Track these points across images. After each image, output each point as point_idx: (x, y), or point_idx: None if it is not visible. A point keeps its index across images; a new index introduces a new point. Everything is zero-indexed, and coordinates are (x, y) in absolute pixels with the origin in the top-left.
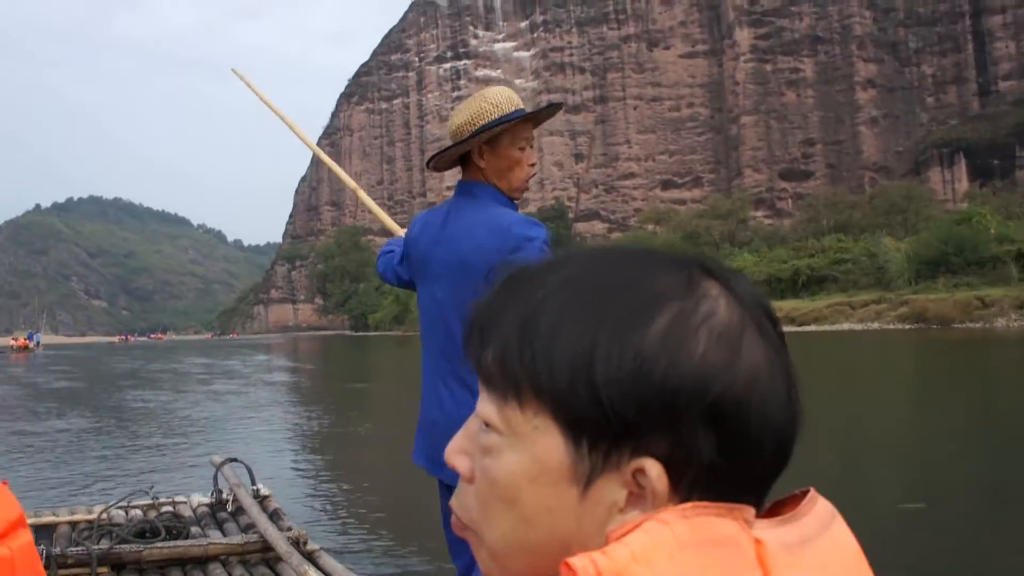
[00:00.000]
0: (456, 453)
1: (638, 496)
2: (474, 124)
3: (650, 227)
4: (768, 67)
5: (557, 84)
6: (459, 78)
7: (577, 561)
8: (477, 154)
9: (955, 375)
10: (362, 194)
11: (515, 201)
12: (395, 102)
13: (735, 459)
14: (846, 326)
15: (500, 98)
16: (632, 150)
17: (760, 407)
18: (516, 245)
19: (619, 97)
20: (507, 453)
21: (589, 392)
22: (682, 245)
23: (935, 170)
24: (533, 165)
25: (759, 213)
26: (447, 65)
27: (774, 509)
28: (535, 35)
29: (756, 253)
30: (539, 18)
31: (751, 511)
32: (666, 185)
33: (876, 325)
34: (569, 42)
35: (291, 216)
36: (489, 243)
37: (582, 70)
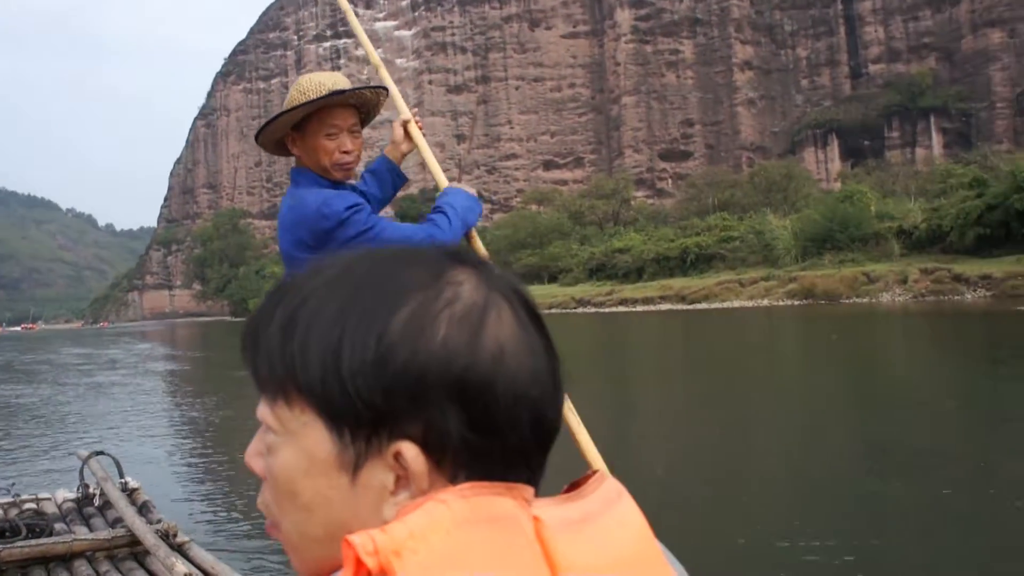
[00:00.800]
0: (253, 456)
1: (405, 479)
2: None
3: (533, 207)
4: (648, 48)
5: (439, 64)
6: (339, 57)
7: (356, 538)
8: (290, 141)
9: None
10: (414, 128)
11: (344, 180)
12: (273, 81)
13: (490, 435)
14: (737, 303)
15: (309, 85)
16: (514, 131)
17: (508, 383)
18: (315, 224)
19: (501, 77)
20: (283, 450)
21: (339, 384)
22: (567, 225)
23: (809, 150)
24: (348, 152)
25: (640, 193)
26: (327, 44)
27: (569, 491)
28: (416, 14)
29: (642, 232)
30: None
31: (530, 490)
32: (548, 166)
33: (766, 302)
34: (451, 21)
35: (166, 199)
36: (294, 228)
37: (464, 50)
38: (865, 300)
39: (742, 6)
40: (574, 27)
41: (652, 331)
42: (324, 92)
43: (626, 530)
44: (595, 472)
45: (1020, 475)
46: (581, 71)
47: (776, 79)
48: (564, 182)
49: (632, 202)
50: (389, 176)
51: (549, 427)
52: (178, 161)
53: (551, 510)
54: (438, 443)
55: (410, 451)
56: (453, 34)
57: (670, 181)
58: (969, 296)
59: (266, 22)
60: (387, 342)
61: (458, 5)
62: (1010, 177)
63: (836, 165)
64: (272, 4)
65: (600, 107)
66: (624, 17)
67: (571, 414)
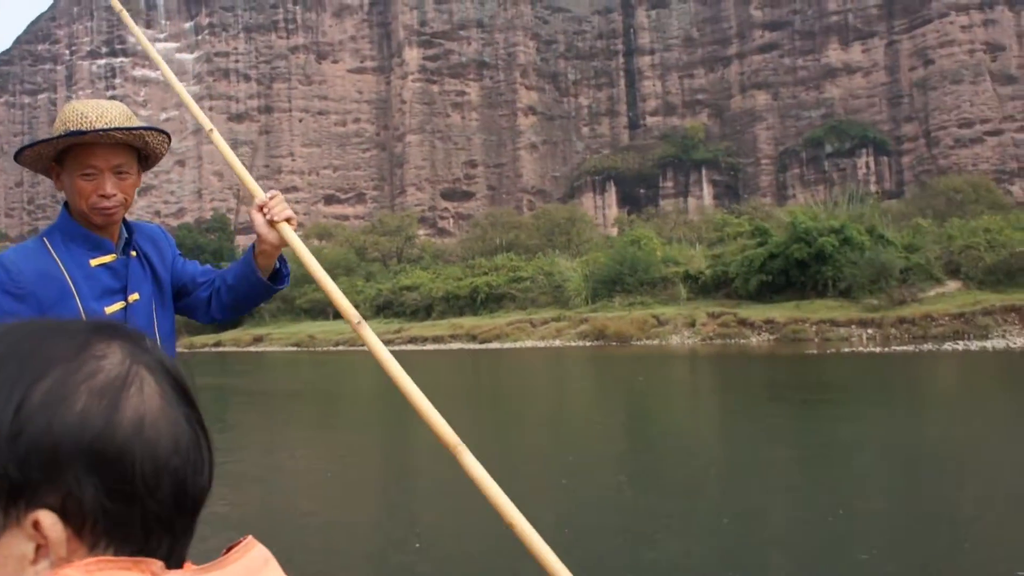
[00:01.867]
0: None
1: (46, 547)
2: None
3: (316, 242)
4: (435, 88)
5: (221, 91)
6: (114, 76)
7: None
8: (54, 174)
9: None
10: (218, 138)
11: (104, 226)
12: (40, 97)
13: (129, 503)
14: (529, 343)
15: (71, 114)
16: (296, 163)
17: (147, 453)
18: None
19: (285, 108)
20: None
21: None
22: (353, 260)
23: (588, 196)
24: (107, 196)
25: (421, 232)
26: (101, 61)
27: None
28: (200, 37)
29: (429, 270)
30: (205, 20)
31: (158, 564)
32: (329, 200)
33: (558, 342)
34: (235, 48)
35: None
36: None
37: (248, 78)
38: (655, 342)
39: (528, 52)
40: (361, 62)
41: (441, 369)
42: (85, 126)
43: None
44: (245, 539)
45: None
46: (367, 107)
47: (558, 125)
48: (345, 217)
49: (416, 240)
50: (246, 286)
51: (193, 495)
52: None
53: None
54: (77, 512)
55: (47, 519)
56: (237, 60)
57: (452, 220)
58: (754, 339)
59: (35, 33)
60: (24, 414)
61: (243, 32)
62: (790, 228)
63: (613, 211)
64: (43, 14)
65: (384, 144)
66: (412, 56)
67: None
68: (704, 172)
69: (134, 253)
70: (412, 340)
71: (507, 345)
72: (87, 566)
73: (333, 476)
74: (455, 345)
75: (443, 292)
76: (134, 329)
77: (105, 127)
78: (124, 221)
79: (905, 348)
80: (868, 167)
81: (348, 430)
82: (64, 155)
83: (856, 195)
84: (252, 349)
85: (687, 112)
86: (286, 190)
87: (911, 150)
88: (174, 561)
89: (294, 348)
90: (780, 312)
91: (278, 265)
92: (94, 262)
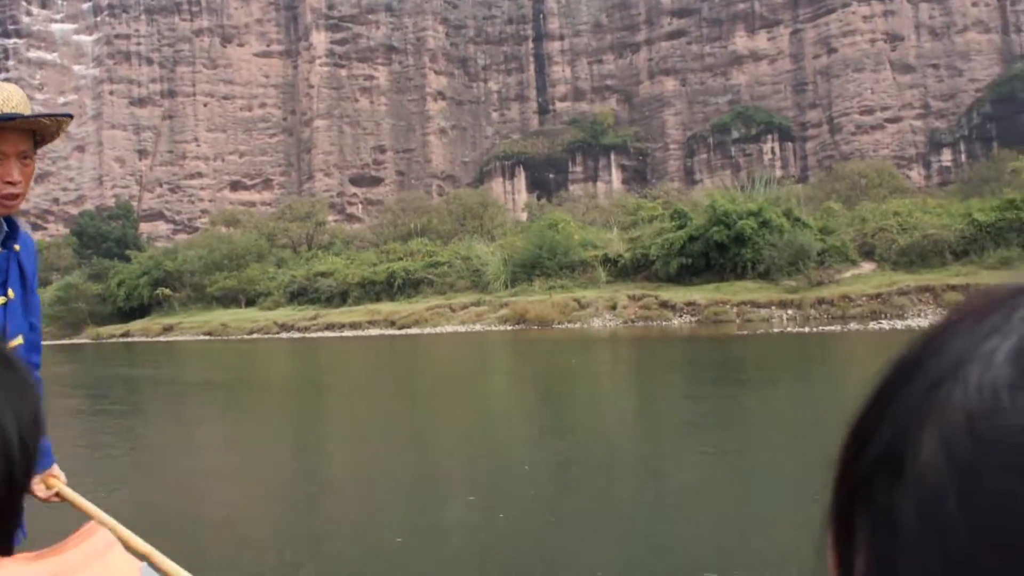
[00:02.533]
0: None
1: None
2: None
3: (223, 229)
4: (343, 72)
5: (122, 74)
6: (7, 58)
7: None
8: None
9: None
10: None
11: (5, 215)
12: None
13: None
14: (449, 328)
15: None
16: (201, 148)
17: None
18: None
19: (189, 92)
20: None
21: None
22: (264, 247)
23: (498, 180)
24: (14, 183)
25: (330, 218)
26: None
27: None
28: (99, 19)
29: (342, 256)
30: (104, 1)
31: None
32: (235, 186)
33: (479, 327)
34: (137, 30)
35: None
36: None
37: (150, 61)
38: (577, 325)
39: (438, 37)
40: (268, 46)
41: (363, 355)
42: None
43: None
44: (87, 524)
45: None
46: (273, 91)
47: (468, 110)
48: (252, 203)
49: (326, 226)
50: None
51: (20, 483)
52: None
53: (18, 568)
54: None
55: None
56: (139, 43)
57: (360, 206)
58: (676, 321)
59: None
60: None
61: (145, 13)
62: (709, 211)
63: (523, 196)
64: None
65: (291, 129)
66: (320, 39)
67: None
68: (613, 157)
69: (17, 248)
70: (329, 327)
71: (427, 331)
72: None
73: (235, 469)
74: (373, 331)
75: (358, 278)
76: None
77: (13, 112)
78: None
79: (829, 328)
80: (774, 152)
81: (256, 420)
82: None
83: (771, 179)
84: (162, 339)
85: (596, 98)
86: (191, 176)
87: (815, 136)
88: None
89: (206, 337)
90: (701, 294)
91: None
92: None
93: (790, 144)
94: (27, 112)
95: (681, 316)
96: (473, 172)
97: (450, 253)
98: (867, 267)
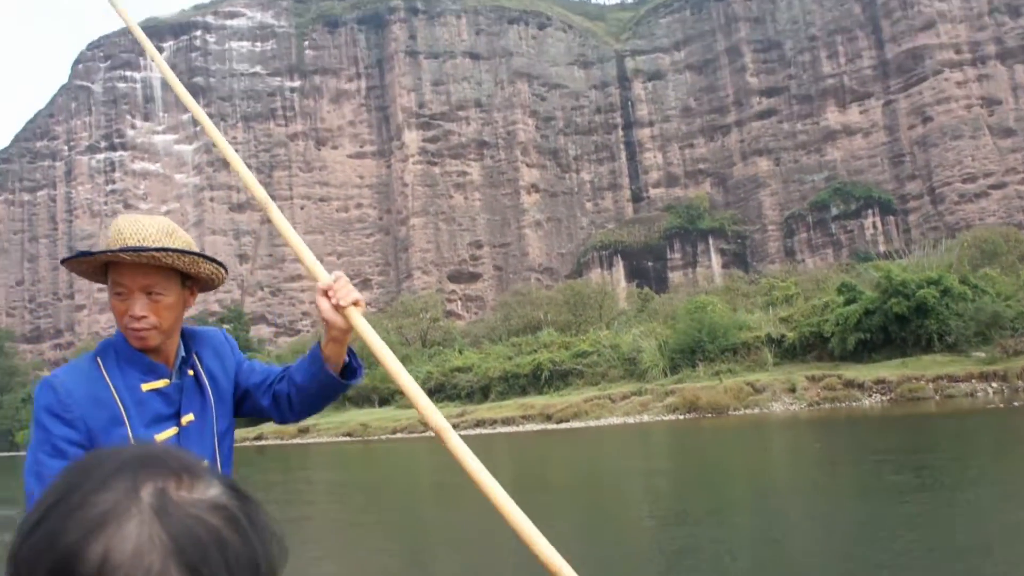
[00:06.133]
0: None
1: None
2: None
3: None
4: (437, 169)
5: (221, 181)
6: (114, 170)
7: None
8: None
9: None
10: (277, 215)
11: (142, 349)
12: (40, 194)
13: None
14: (613, 420)
15: (112, 229)
16: None
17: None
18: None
19: (286, 196)
20: None
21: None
22: (390, 343)
23: (596, 271)
24: (138, 318)
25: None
26: (101, 156)
27: None
28: (198, 128)
29: (477, 351)
30: (203, 111)
31: None
32: None
33: (646, 417)
34: (234, 137)
35: None
36: None
37: (247, 167)
38: (755, 411)
39: (528, 130)
40: (361, 147)
41: (543, 454)
42: (119, 243)
43: None
44: None
45: None
46: (368, 191)
47: (562, 201)
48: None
49: (439, 322)
50: (317, 386)
51: None
52: None
53: None
54: None
55: None
56: (236, 150)
57: (460, 303)
58: (867, 401)
59: (33, 130)
60: (23, 532)
61: (242, 121)
62: (883, 282)
63: (622, 285)
64: (40, 111)
65: (388, 228)
66: (412, 138)
67: None
68: (711, 241)
69: (191, 372)
70: (479, 423)
71: (590, 423)
72: None
73: None
74: (529, 426)
75: (500, 372)
76: (182, 459)
77: (136, 247)
78: (183, 334)
79: None
80: (875, 227)
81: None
82: (107, 269)
83: (941, 244)
84: (297, 441)
85: (690, 182)
86: (291, 279)
87: (917, 208)
88: None
89: (346, 438)
90: (888, 371)
91: (348, 358)
92: (145, 387)
93: (892, 218)
94: (164, 245)
95: (870, 396)
96: (571, 263)
97: (591, 342)
98: None
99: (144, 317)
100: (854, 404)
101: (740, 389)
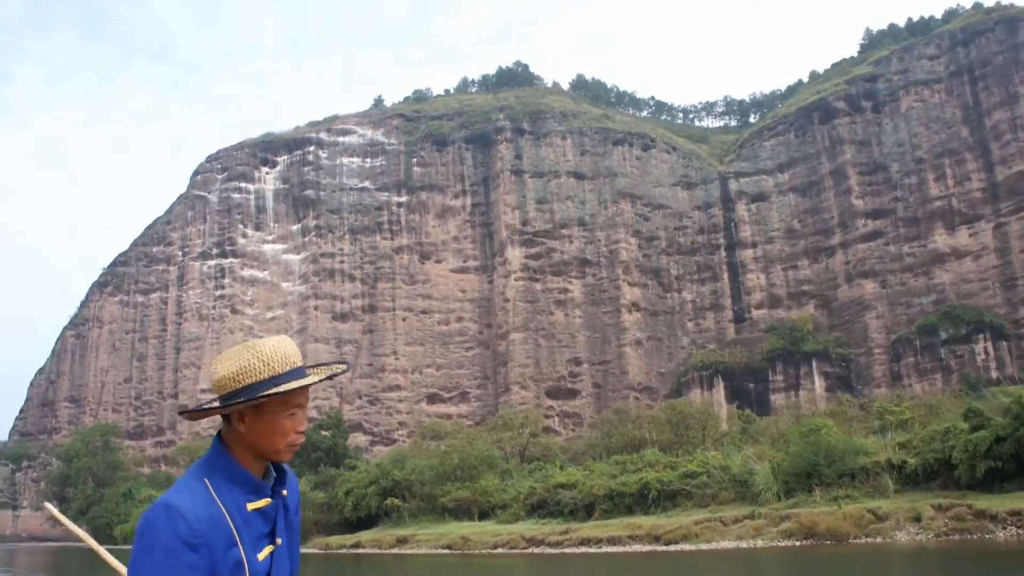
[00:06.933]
0: None
1: None
2: (239, 381)
3: (431, 443)
4: (538, 286)
5: (326, 290)
6: (223, 276)
7: None
8: (237, 418)
9: None
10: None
11: (281, 461)
12: (153, 296)
13: None
14: (725, 544)
15: (273, 355)
16: (399, 362)
17: None
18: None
19: (388, 307)
20: None
21: None
22: (497, 457)
23: (695, 391)
24: (302, 432)
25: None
26: (212, 262)
27: None
28: (306, 239)
29: (578, 467)
30: (312, 222)
31: None
32: (432, 399)
33: (760, 542)
34: (341, 248)
35: (22, 411)
36: None
37: (352, 278)
38: (877, 540)
39: (630, 249)
40: (464, 262)
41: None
42: (292, 364)
43: None
44: None
45: None
46: (469, 305)
47: (662, 321)
48: (448, 416)
49: (539, 438)
50: None
51: None
52: (40, 371)
53: None
54: None
55: None
56: (342, 261)
57: (557, 419)
58: (1000, 534)
59: (151, 235)
60: None
61: (349, 233)
62: (1015, 407)
63: (723, 406)
64: (159, 218)
65: (487, 342)
66: (515, 255)
67: None
68: (815, 364)
69: (284, 492)
70: (584, 542)
71: (700, 546)
72: None
73: None
74: (635, 547)
75: (605, 490)
76: None
77: (311, 365)
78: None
79: None
80: (987, 352)
81: None
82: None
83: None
84: (395, 551)
85: (793, 304)
86: (389, 388)
87: None
88: None
89: (445, 551)
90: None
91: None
92: (251, 506)
93: (1004, 343)
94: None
95: (1005, 527)
96: (670, 383)
97: (699, 463)
98: None
99: (305, 428)
100: (987, 536)
101: (861, 516)
